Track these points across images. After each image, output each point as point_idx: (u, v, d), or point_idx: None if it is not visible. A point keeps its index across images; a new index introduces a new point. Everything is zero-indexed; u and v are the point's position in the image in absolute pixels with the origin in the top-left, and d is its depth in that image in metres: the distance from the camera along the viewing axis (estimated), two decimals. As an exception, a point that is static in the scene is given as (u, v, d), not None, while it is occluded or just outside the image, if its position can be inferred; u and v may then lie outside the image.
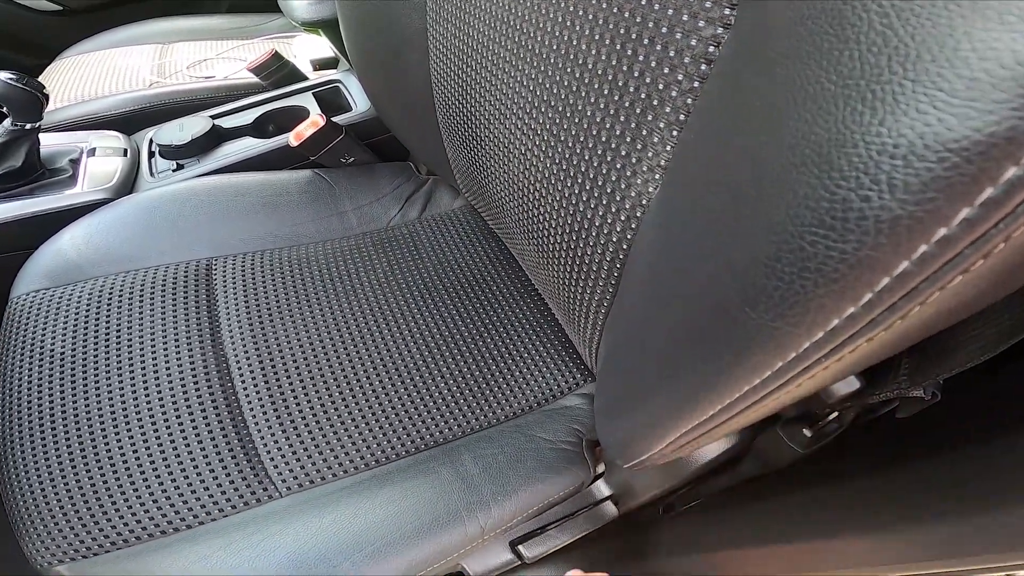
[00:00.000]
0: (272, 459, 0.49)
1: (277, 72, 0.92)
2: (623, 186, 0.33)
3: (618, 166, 0.33)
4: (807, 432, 0.38)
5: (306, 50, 1.08)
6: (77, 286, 0.56)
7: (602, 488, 0.56)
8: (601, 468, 0.56)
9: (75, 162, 0.74)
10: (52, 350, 0.52)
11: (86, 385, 0.51)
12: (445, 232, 0.69)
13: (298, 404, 0.52)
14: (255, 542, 0.44)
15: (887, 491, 0.39)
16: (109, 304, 0.55)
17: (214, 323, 0.56)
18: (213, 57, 1.07)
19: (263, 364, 0.53)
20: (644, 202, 0.32)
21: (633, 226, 0.33)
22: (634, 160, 0.32)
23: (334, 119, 0.75)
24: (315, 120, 0.69)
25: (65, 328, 0.53)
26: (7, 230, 0.65)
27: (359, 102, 0.83)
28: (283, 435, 0.50)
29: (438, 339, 0.58)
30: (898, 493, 0.38)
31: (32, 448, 0.48)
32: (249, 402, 0.51)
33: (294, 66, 0.94)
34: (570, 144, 0.36)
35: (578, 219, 0.38)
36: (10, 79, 0.63)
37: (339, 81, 0.88)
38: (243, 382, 0.52)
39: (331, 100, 0.88)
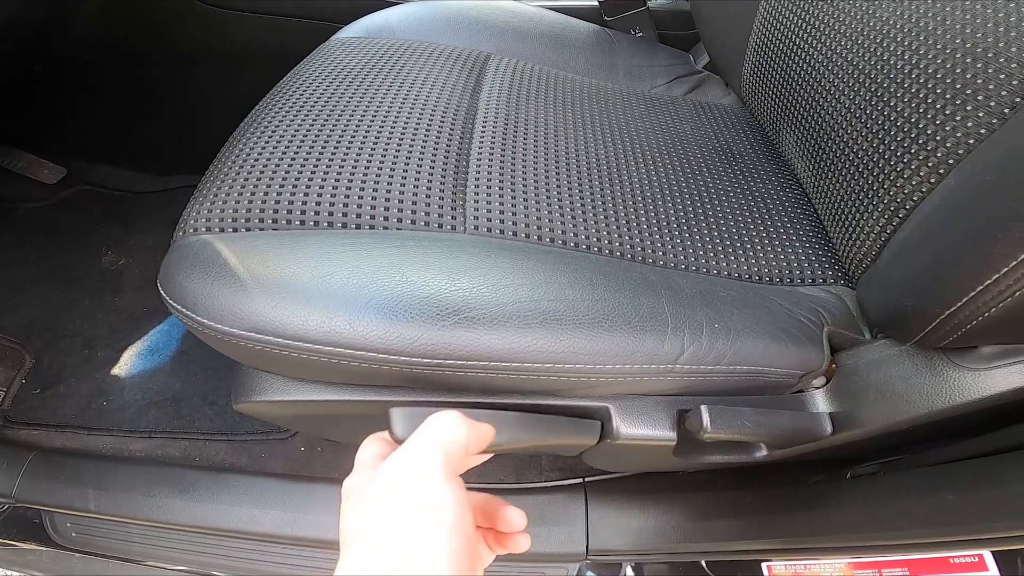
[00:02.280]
0: (476, 196, 0.44)
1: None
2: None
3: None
4: None
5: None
6: (383, 40, 0.59)
7: (819, 402, 0.44)
8: (820, 382, 0.44)
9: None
10: (342, 66, 0.54)
11: (353, 93, 0.51)
12: (708, 113, 0.61)
13: (524, 167, 0.47)
14: (404, 251, 0.38)
15: None
16: (401, 54, 0.56)
17: (476, 88, 0.55)
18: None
19: (505, 129, 0.51)
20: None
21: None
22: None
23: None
24: (627, -16, 0.69)
25: (360, 57, 0.56)
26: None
27: (659, -1, 0.81)
28: (498, 182, 0.46)
29: (686, 180, 0.51)
30: None
31: (276, 124, 0.48)
32: (479, 149, 0.48)
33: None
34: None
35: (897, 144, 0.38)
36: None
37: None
38: (482, 132, 0.50)
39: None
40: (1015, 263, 0.29)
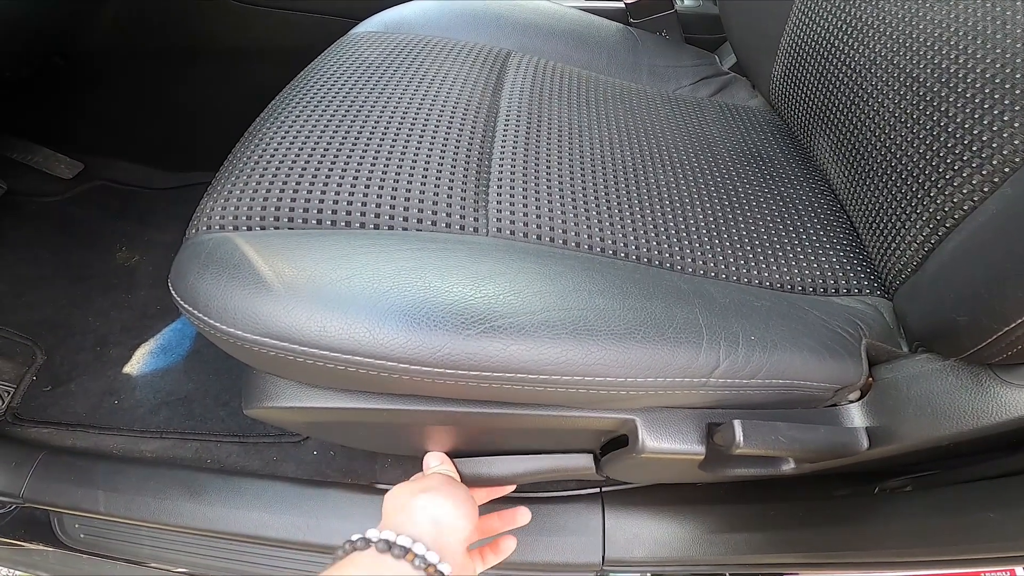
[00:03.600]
0: (499, 197, 0.42)
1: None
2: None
3: None
4: None
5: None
6: (402, 35, 0.57)
7: (855, 417, 0.42)
8: (855, 395, 0.42)
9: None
10: (360, 60, 0.53)
11: (372, 89, 0.49)
12: (735, 116, 0.59)
13: (548, 169, 0.45)
14: (426, 255, 0.36)
15: None
16: (420, 50, 0.55)
17: (498, 86, 0.53)
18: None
19: (528, 128, 0.49)
20: None
21: None
22: None
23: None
24: (657, -15, 0.67)
25: (378, 52, 0.54)
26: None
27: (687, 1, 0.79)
28: (521, 183, 0.44)
29: (714, 184, 0.49)
30: None
31: (292, 119, 0.46)
32: (502, 148, 0.46)
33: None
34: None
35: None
36: None
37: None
38: (504, 131, 0.48)
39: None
40: None
